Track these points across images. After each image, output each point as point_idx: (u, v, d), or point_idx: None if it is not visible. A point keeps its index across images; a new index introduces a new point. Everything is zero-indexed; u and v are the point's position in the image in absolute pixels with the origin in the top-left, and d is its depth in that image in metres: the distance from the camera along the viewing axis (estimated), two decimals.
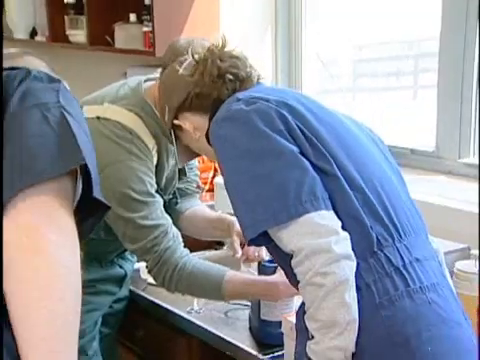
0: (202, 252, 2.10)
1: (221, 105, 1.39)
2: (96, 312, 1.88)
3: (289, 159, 1.21)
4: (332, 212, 1.20)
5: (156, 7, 2.48)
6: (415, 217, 1.31)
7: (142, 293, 1.98)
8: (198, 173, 2.04)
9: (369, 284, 1.20)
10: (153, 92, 1.73)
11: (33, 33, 3.35)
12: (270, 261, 1.69)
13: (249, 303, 1.78)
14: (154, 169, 1.72)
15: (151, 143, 1.71)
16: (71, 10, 3.03)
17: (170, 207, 1.87)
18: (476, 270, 1.60)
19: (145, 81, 1.77)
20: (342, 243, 1.17)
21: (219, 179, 2.34)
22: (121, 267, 1.94)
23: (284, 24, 2.64)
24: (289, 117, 1.26)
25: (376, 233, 1.22)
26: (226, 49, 1.50)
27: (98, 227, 1.71)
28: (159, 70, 1.72)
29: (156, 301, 1.92)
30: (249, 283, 1.64)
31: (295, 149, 1.23)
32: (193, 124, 1.54)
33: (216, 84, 1.46)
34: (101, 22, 2.81)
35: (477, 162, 2.06)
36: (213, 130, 1.32)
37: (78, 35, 2.98)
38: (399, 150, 2.23)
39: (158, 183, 1.76)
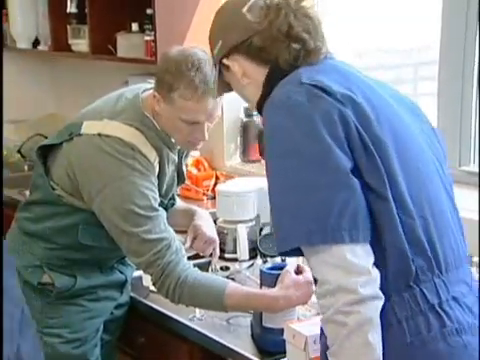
0: None
1: (278, 70, 1.28)
2: (98, 319, 1.89)
3: (340, 177, 1.13)
4: (368, 246, 1.13)
5: (158, 16, 2.50)
6: (460, 245, 1.24)
7: (144, 300, 1.98)
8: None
9: (401, 320, 1.14)
10: (151, 103, 1.73)
11: (36, 43, 3.38)
12: (271, 268, 1.70)
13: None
14: (157, 182, 1.73)
15: (152, 156, 1.72)
16: (73, 20, 3.06)
17: (167, 208, 1.88)
18: (476, 277, 1.60)
19: (143, 92, 1.78)
20: (371, 285, 1.11)
21: (220, 186, 2.35)
22: (121, 272, 1.95)
23: None
24: (352, 120, 1.17)
25: (416, 266, 1.16)
26: (302, 4, 1.34)
27: (100, 236, 1.74)
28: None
29: (158, 308, 1.92)
30: (250, 297, 1.65)
31: (349, 165, 1.14)
32: (243, 69, 1.35)
33: (281, 44, 1.30)
34: (103, 31, 2.83)
35: (477, 170, 2.06)
36: (268, 111, 1.22)
37: (80, 44, 3.01)
38: None
39: (159, 190, 1.77)
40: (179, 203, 2.04)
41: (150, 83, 1.81)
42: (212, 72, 1.63)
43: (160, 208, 1.71)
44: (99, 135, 1.69)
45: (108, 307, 1.92)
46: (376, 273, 1.13)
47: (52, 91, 3.70)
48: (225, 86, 1.43)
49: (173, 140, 1.78)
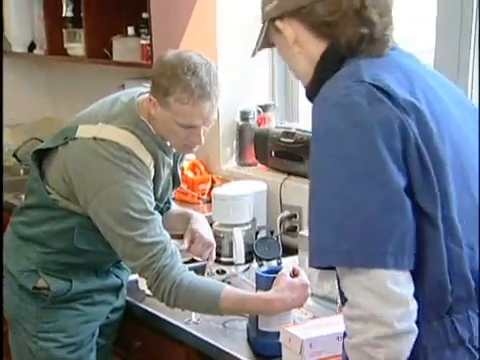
0: None
1: (336, 50, 1.15)
2: (93, 323, 1.89)
3: (391, 195, 1.02)
4: (409, 275, 1.04)
5: (154, 20, 2.50)
6: None
7: (140, 304, 1.98)
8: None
9: (426, 350, 1.07)
10: (146, 107, 1.73)
11: (31, 47, 3.38)
12: (267, 272, 1.70)
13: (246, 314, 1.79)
14: (152, 185, 1.74)
15: (148, 159, 1.73)
16: (69, 24, 3.06)
17: (162, 212, 1.88)
18: None
19: (139, 95, 1.78)
20: (408, 318, 1.03)
21: (216, 190, 2.35)
22: (117, 276, 1.94)
23: None
24: (412, 131, 1.05)
25: (454, 298, 1.08)
26: None
27: (96, 240, 1.74)
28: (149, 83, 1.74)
29: (154, 312, 1.92)
30: (245, 300, 1.65)
31: (403, 183, 1.04)
32: (296, 36, 1.20)
33: (348, 21, 1.14)
34: (99, 35, 2.83)
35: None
36: (321, 108, 1.10)
37: (76, 48, 3.01)
38: None
39: (155, 194, 1.77)
40: (175, 207, 2.04)
41: (146, 87, 1.80)
42: (209, 76, 1.66)
43: (155, 212, 1.71)
44: (94, 139, 1.69)
45: (104, 311, 1.92)
46: (414, 305, 1.04)
47: (48, 95, 3.70)
48: (266, 45, 1.28)
49: (169, 144, 1.78)
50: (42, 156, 1.80)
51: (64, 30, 3.07)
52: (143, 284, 2.00)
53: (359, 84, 1.07)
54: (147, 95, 1.75)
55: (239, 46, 2.60)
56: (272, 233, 1.98)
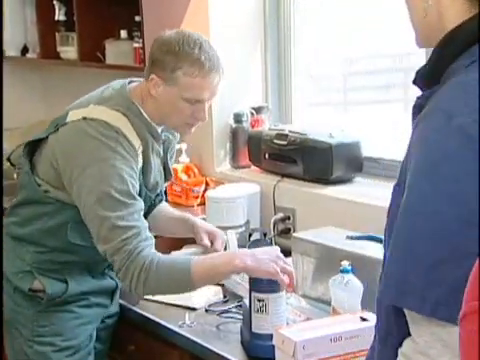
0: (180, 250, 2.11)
1: (454, 34, 0.94)
2: (90, 325, 1.88)
3: None
4: None
5: (146, 23, 2.50)
6: None
7: (133, 308, 1.97)
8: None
9: None
10: (139, 92, 1.75)
11: (24, 50, 3.37)
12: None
13: (241, 316, 1.79)
14: (139, 171, 1.71)
15: (137, 143, 1.71)
16: (62, 27, 3.06)
17: (155, 206, 1.88)
18: None
19: (129, 83, 1.79)
20: None
21: (210, 193, 2.35)
22: (112, 278, 1.93)
23: (274, 40, 2.66)
24: None
25: None
26: None
27: (89, 234, 1.72)
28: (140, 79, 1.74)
29: (147, 315, 1.91)
30: (213, 258, 1.68)
31: None
32: None
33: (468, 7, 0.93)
34: (92, 39, 2.83)
35: None
36: (438, 123, 0.91)
37: (69, 52, 3.01)
38: (390, 163, 2.25)
39: (146, 184, 1.76)
40: (173, 210, 2.03)
41: (135, 79, 1.82)
42: (213, 50, 1.71)
43: (139, 198, 1.69)
44: (84, 119, 1.69)
45: (99, 314, 1.91)
46: None
47: (42, 98, 3.69)
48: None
49: (159, 130, 1.78)
50: (34, 149, 1.80)
51: (57, 34, 3.07)
52: None
53: None
54: (136, 83, 1.77)
55: (232, 48, 2.60)
56: (265, 235, 1.98)
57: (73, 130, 1.70)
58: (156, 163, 1.81)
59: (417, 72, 1.00)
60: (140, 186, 1.73)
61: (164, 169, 1.87)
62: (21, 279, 1.81)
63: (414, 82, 1.01)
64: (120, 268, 1.63)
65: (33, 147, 1.80)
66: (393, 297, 0.94)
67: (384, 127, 2.63)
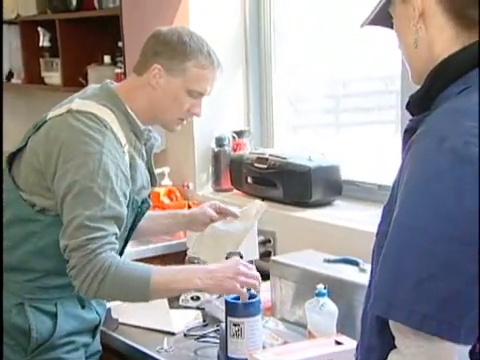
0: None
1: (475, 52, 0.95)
2: None
3: None
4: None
5: (127, 49, 2.52)
6: None
7: (112, 333, 1.96)
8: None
9: None
10: (126, 89, 1.71)
11: (9, 76, 3.39)
12: (236, 298, 1.69)
13: (218, 341, 1.78)
14: (125, 168, 1.63)
15: (123, 141, 1.66)
16: (46, 53, 3.08)
17: (143, 213, 1.79)
18: None
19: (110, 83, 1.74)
20: None
21: None
22: (97, 313, 1.80)
23: (255, 64, 2.69)
24: None
25: None
26: None
27: None
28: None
29: (126, 341, 1.91)
30: (176, 271, 1.61)
31: None
32: (424, 9, 0.99)
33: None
34: (75, 64, 2.85)
35: None
36: (429, 146, 0.93)
37: (53, 77, 3.03)
38: (370, 186, 2.26)
39: (134, 183, 1.68)
40: (158, 212, 1.99)
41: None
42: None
43: (121, 202, 1.59)
44: (68, 111, 1.62)
45: (82, 354, 1.78)
46: None
47: (27, 123, 3.66)
48: (382, 19, 1.07)
49: (142, 128, 1.71)
50: (13, 162, 1.71)
51: (41, 59, 3.09)
52: (116, 312, 2.00)
53: None
54: (124, 82, 1.77)
55: None
56: (242, 257, 1.98)
57: (57, 124, 1.62)
58: (141, 165, 1.74)
59: (410, 97, 1.04)
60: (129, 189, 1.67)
61: (149, 173, 1.80)
62: (16, 315, 1.67)
63: (407, 107, 1.05)
64: (76, 265, 1.54)
65: (12, 160, 1.72)
66: (382, 309, 0.94)
67: (372, 149, 2.65)
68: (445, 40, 0.98)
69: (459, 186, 0.89)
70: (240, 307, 1.64)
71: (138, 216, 1.78)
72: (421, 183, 0.92)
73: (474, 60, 0.96)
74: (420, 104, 1.01)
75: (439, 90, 0.98)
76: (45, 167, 1.62)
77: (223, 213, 1.94)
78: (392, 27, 1.07)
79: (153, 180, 1.83)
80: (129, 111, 1.70)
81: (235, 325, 1.64)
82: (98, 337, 1.86)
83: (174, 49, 1.69)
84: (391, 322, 0.95)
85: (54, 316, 1.70)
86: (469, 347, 0.93)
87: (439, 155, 0.91)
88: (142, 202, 1.77)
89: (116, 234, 1.60)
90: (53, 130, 1.63)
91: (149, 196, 1.84)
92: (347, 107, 3.02)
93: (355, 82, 2.86)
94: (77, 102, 1.66)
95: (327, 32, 2.64)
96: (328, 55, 2.66)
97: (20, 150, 1.71)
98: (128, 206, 1.66)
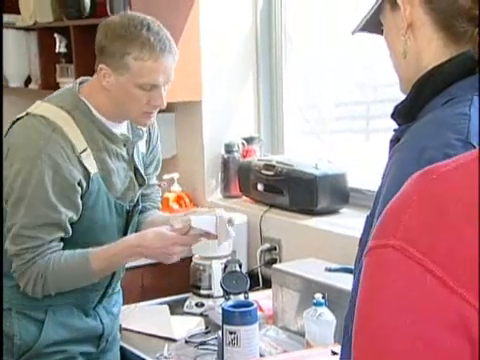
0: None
1: (465, 61, 0.93)
2: None
3: None
4: None
5: None
6: None
7: None
8: (160, 192, 1.97)
9: None
10: (89, 89, 1.67)
11: (27, 81, 3.44)
12: (233, 306, 1.68)
13: (216, 347, 1.78)
14: (69, 173, 1.58)
15: (81, 145, 1.61)
16: (62, 59, 3.12)
17: (134, 216, 1.76)
18: None
19: (80, 83, 1.72)
20: None
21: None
22: (101, 322, 1.76)
23: (266, 70, 2.69)
24: None
25: None
26: None
27: (78, 246, 1.59)
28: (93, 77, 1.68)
29: (126, 346, 1.91)
30: (110, 247, 1.61)
31: None
32: (412, 17, 0.96)
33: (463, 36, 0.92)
34: (88, 70, 2.86)
35: None
36: (411, 156, 0.90)
37: (68, 82, 3.04)
38: None
39: (109, 189, 1.66)
40: (163, 214, 1.92)
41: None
42: (163, 30, 1.60)
43: (59, 209, 1.57)
44: (27, 114, 1.63)
45: None
46: None
47: None
48: (374, 26, 1.04)
49: (114, 131, 1.67)
50: None
51: (57, 65, 3.12)
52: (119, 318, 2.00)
53: (463, 146, 0.86)
54: (91, 81, 1.69)
55: (224, 78, 2.63)
56: (240, 266, 1.97)
57: (16, 126, 1.64)
58: (118, 167, 1.68)
59: (395, 107, 1.01)
60: (105, 194, 1.65)
61: (135, 174, 1.75)
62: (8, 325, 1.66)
63: (392, 116, 1.02)
64: (16, 270, 1.61)
65: None
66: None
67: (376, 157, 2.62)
68: (433, 51, 0.97)
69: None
70: (236, 315, 1.64)
71: (129, 220, 1.74)
72: (398, 193, 0.90)
73: (460, 71, 0.95)
74: (405, 114, 0.99)
75: (425, 100, 0.97)
76: (4, 170, 1.63)
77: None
78: (383, 34, 1.04)
79: (139, 180, 1.76)
80: (93, 112, 1.64)
81: (231, 333, 1.64)
82: (115, 349, 1.83)
83: (110, 48, 1.61)
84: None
85: (41, 324, 1.67)
86: None
87: (418, 165, 0.85)
88: (134, 206, 1.74)
89: (59, 239, 1.61)
90: (8, 134, 1.66)
91: (150, 196, 1.84)
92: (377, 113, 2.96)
93: (385, 87, 2.82)
94: (36, 104, 1.67)
95: (338, 39, 2.63)
96: (351, 59, 2.64)
97: None
98: (114, 211, 1.66)
